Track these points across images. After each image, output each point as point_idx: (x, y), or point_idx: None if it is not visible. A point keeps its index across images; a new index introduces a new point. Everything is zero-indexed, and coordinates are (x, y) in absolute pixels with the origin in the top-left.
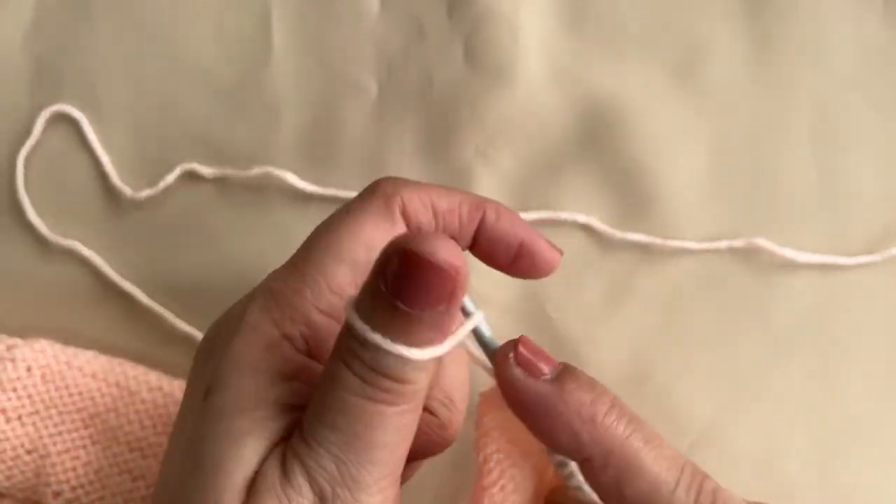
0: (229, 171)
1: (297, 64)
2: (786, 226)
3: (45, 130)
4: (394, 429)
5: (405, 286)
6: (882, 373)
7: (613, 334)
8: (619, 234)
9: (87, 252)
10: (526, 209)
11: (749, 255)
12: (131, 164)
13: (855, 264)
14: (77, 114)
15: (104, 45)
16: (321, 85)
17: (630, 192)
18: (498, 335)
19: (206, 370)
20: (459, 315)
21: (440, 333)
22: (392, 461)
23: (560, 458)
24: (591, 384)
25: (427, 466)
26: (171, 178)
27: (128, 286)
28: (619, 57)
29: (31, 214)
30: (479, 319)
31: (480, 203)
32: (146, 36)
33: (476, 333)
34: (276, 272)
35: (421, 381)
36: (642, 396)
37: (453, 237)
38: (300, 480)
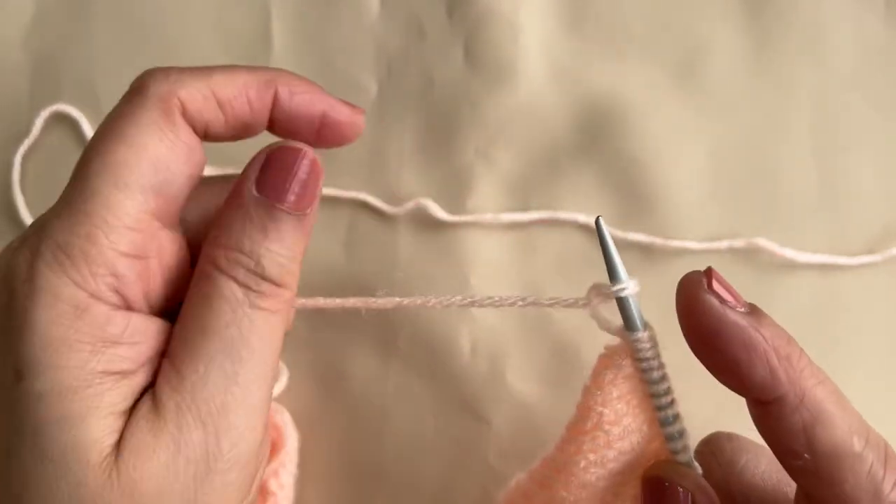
0: (229, 171)
1: (297, 64)
2: (786, 226)
3: (44, 130)
4: (273, 332)
5: (271, 178)
6: (882, 373)
7: (613, 336)
8: (619, 234)
9: None
10: (526, 209)
11: (749, 255)
12: None
13: (855, 264)
14: (76, 113)
15: (104, 44)
16: (321, 85)
17: (630, 192)
18: (497, 334)
19: (6, 348)
20: None
21: (306, 234)
22: (274, 359)
23: (676, 428)
24: (782, 328)
25: (426, 466)
26: None
27: None
28: (619, 57)
29: (24, 213)
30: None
31: (269, 81)
32: (146, 35)
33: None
34: (53, 215)
35: (293, 286)
36: None
37: (246, 125)
38: (187, 418)
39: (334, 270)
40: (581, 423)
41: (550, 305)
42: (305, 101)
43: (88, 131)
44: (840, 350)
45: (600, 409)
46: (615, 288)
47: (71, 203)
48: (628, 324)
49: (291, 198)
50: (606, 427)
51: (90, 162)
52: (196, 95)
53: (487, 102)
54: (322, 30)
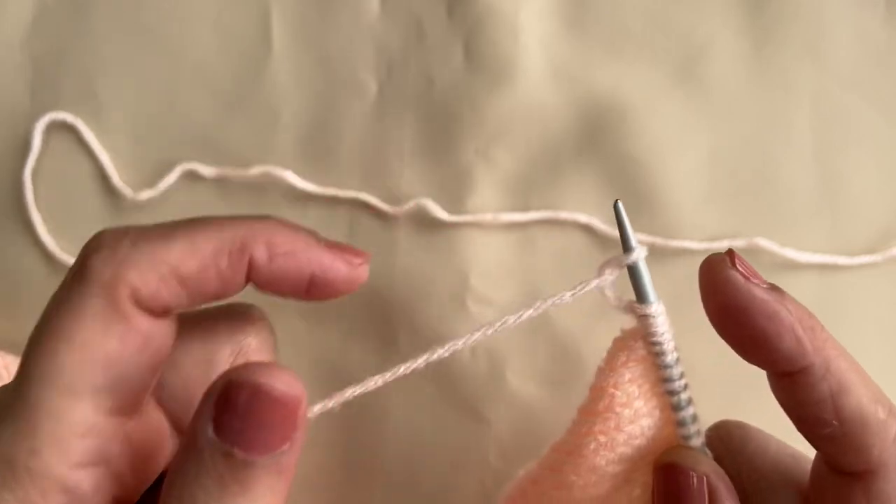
0: (229, 171)
1: (297, 64)
2: (786, 226)
3: (44, 139)
4: None
5: (241, 428)
6: (882, 373)
7: (613, 334)
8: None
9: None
10: (526, 209)
11: (749, 255)
12: (132, 164)
13: (855, 264)
14: (73, 119)
15: (104, 45)
16: (321, 85)
17: (630, 192)
18: (498, 335)
19: None
20: None
21: (283, 477)
22: None
23: (689, 413)
24: (802, 304)
25: (426, 466)
26: (171, 178)
27: None
28: (619, 56)
29: (42, 232)
30: (640, 255)
31: (244, 244)
32: (146, 36)
33: (632, 270)
34: None
35: None
36: None
37: (216, 296)
38: None
39: None
40: (592, 404)
41: (564, 300)
42: (289, 264)
43: (87, 135)
44: None
45: (612, 390)
46: (629, 258)
47: (13, 413)
48: (640, 295)
49: (259, 439)
50: (618, 409)
51: (29, 365)
52: (149, 277)
53: (487, 102)
54: (322, 30)
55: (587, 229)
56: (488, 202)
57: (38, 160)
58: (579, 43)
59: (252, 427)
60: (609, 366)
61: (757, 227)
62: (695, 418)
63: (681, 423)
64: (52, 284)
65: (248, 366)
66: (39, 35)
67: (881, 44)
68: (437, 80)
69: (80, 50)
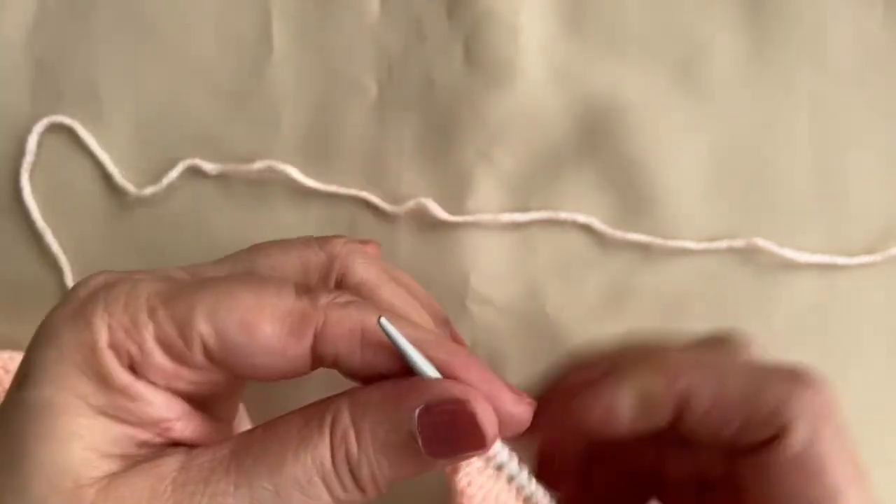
0: (232, 167)
1: (297, 64)
2: (786, 226)
3: (44, 139)
4: None
5: (437, 441)
6: (882, 373)
7: (613, 334)
8: (619, 234)
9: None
10: (526, 209)
11: (749, 255)
12: (135, 164)
13: (855, 264)
14: (70, 121)
15: (106, 46)
16: (321, 85)
17: (630, 192)
18: (497, 334)
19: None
20: None
21: (416, 472)
22: None
23: (511, 468)
24: None
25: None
26: (174, 173)
27: None
28: (619, 57)
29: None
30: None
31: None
32: (147, 36)
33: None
34: (160, 277)
35: (372, 495)
36: None
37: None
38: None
39: None
40: None
41: None
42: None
43: (86, 136)
44: (840, 350)
45: None
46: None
47: (181, 285)
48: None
49: (440, 449)
50: None
51: (223, 282)
52: (343, 331)
53: (487, 102)
54: (322, 31)
55: (587, 229)
56: (488, 202)
57: (39, 163)
58: (579, 43)
59: (442, 439)
60: (458, 495)
61: (756, 227)
62: (528, 476)
63: (523, 490)
64: (54, 285)
65: (472, 397)
66: (41, 36)
67: (881, 44)
68: (437, 80)
69: (81, 50)
